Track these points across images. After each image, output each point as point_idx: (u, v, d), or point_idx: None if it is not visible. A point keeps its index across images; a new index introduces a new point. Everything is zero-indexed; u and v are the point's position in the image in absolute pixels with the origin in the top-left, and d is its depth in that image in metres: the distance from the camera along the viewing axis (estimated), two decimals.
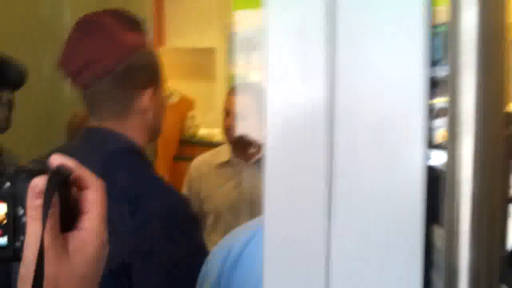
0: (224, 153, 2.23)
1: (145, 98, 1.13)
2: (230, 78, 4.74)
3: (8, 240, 0.51)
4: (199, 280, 0.82)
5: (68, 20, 2.32)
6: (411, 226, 0.44)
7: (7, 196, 0.51)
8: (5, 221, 0.51)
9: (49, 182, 0.48)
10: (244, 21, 3.78)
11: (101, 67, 1.08)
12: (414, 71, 0.43)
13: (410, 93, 0.44)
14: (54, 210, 0.49)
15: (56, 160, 0.52)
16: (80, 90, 1.14)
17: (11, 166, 0.53)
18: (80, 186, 0.53)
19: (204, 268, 0.83)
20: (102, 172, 1.03)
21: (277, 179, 0.47)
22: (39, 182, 0.49)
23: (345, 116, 0.45)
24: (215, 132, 4.35)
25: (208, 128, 4.48)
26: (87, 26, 1.10)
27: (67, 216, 0.51)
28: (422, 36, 0.43)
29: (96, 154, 1.06)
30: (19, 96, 1.96)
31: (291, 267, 0.47)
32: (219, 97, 4.94)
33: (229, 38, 4.55)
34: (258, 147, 2.16)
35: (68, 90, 2.34)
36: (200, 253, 1.04)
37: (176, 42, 4.91)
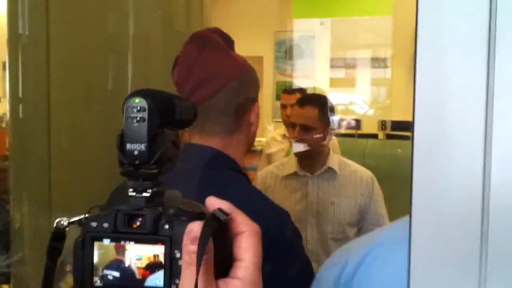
0: (290, 165, 2.21)
1: (253, 113, 1.15)
2: (278, 86, 4.72)
3: (164, 283, 0.51)
4: None
5: (132, 33, 2.34)
6: None
7: (165, 239, 0.51)
8: (162, 263, 0.51)
9: (205, 228, 0.48)
10: (296, 29, 3.76)
11: (217, 84, 1.09)
12: None
13: None
14: (209, 256, 0.48)
15: (213, 203, 0.51)
16: None
17: (172, 208, 0.53)
18: (235, 231, 0.51)
19: (315, 285, 0.82)
20: (213, 191, 1.03)
21: (424, 200, 0.46)
22: (194, 228, 0.48)
23: (503, 137, 0.43)
24: (262, 141, 4.32)
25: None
26: (201, 44, 1.10)
27: (222, 261, 0.50)
28: None
29: (204, 174, 1.06)
30: (83, 109, 1.98)
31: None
32: (266, 105, 4.94)
33: (277, 46, 4.53)
34: (321, 158, 2.14)
35: None
36: (309, 267, 1.06)
37: None
